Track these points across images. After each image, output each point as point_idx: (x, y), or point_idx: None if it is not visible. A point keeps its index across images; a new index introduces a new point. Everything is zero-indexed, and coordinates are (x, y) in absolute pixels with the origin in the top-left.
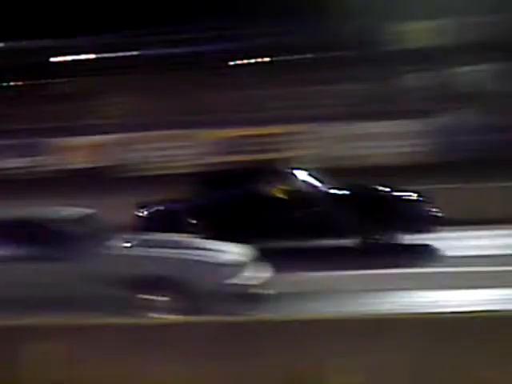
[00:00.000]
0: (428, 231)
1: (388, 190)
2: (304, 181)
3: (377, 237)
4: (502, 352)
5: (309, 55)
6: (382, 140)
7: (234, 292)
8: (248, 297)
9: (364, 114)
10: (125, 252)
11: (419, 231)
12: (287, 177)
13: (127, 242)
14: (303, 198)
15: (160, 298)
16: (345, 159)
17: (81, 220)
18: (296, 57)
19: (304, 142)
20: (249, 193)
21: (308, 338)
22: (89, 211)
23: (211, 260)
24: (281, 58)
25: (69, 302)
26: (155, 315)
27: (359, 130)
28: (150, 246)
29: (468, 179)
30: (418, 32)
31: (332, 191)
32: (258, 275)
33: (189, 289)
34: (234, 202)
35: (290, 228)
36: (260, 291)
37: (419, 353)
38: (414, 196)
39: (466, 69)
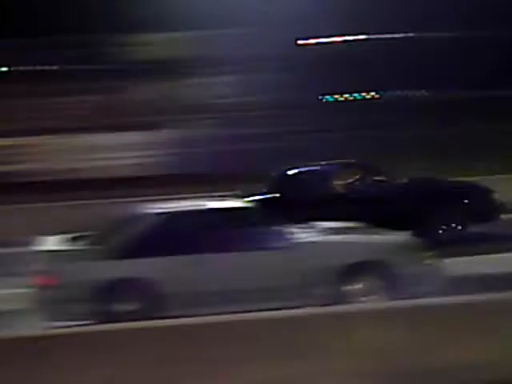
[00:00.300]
0: (496, 219)
1: (457, 181)
2: (377, 177)
3: (451, 227)
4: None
5: (41, 67)
6: (114, 152)
7: (428, 274)
8: (438, 279)
9: (95, 126)
10: (325, 239)
11: (489, 220)
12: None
13: (307, 231)
14: (379, 193)
15: (359, 285)
16: (76, 171)
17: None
18: (30, 67)
19: (35, 155)
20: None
21: (43, 353)
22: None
23: (405, 244)
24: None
25: (276, 293)
26: (357, 302)
27: (89, 142)
28: (333, 234)
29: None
30: (151, 44)
31: (406, 186)
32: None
33: (392, 272)
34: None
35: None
36: (445, 274)
37: (158, 362)
38: (482, 187)
39: (198, 81)
